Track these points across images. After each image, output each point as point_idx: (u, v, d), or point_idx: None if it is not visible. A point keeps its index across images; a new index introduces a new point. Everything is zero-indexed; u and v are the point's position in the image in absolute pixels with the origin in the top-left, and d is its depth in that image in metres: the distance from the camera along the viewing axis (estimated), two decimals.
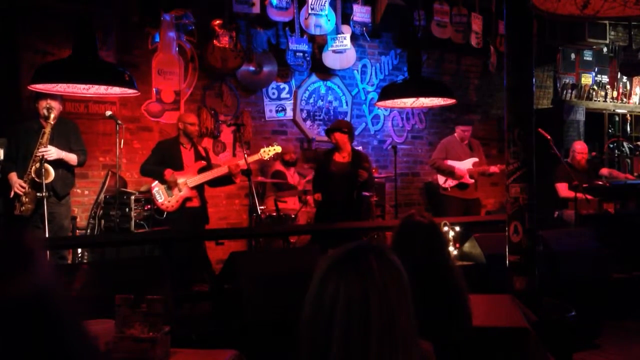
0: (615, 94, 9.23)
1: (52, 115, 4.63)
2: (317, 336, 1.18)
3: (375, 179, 7.11)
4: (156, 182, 5.27)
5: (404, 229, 2.27)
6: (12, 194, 4.66)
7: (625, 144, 8.87)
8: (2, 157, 4.82)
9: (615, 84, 9.43)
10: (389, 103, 5.63)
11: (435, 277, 2.12)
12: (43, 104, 4.67)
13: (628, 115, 9.13)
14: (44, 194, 4.49)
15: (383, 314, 1.16)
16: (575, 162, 6.72)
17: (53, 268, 0.82)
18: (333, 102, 7.47)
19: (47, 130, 4.63)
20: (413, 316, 1.20)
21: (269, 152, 5.45)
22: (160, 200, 5.23)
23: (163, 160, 5.32)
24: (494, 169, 6.49)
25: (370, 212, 6.65)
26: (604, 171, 7.22)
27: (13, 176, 4.70)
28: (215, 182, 5.46)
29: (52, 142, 4.69)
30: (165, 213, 5.25)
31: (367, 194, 6.17)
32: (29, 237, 0.80)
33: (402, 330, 1.17)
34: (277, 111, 7.10)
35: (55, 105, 4.70)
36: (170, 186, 5.23)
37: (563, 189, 6.54)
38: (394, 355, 1.15)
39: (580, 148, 6.83)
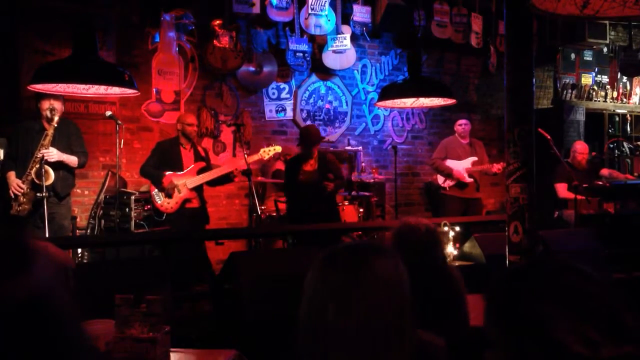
0: (615, 94, 9.23)
1: (56, 118, 4.62)
2: (314, 334, 1.19)
3: (375, 179, 7.11)
4: None
5: (399, 233, 2.27)
6: (11, 193, 4.65)
7: (625, 144, 8.87)
8: (1, 157, 4.82)
9: (615, 84, 9.42)
10: (389, 103, 5.63)
11: (432, 279, 2.12)
12: (46, 104, 4.65)
13: (628, 115, 9.13)
14: (44, 194, 4.49)
15: (379, 313, 1.16)
16: (576, 162, 6.71)
17: (53, 268, 0.82)
18: (333, 102, 7.46)
19: (50, 132, 4.62)
20: (409, 315, 1.20)
21: (268, 152, 5.45)
22: (159, 202, 5.23)
23: (162, 161, 5.32)
24: (497, 167, 6.41)
25: (371, 211, 6.65)
26: (605, 172, 7.21)
27: (11, 175, 4.69)
28: (214, 182, 5.46)
29: (54, 143, 4.67)
30: (165, 214, 5.25)
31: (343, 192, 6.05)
32: (29, 237, 0.80)
33: (398, 329, 1.17)
34: (277, 111, 7.10)
35: (58, 106, 4.70)
36: (169, 193, 5.23)
37: (562, 190, 6.54)
38: (390, 355, 1.15)
39: (580, 148, 6.82)
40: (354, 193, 6.52)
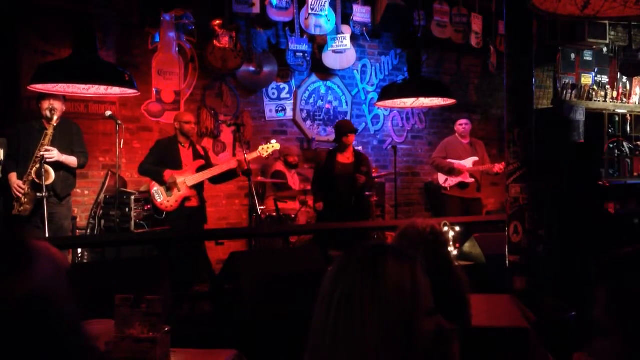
0: (615, 94, 9.23)
1: (55, 117, 4.62)
2: (323, 333, 1.19)
3: (376, 179, 7.11)
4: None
5: (403, 235, 2.26)
6: (13, 194, 4.65)
7: (625, 144, 8.87)
8: (2, 157, 4.81)
9: (615, 84, 9.42)
10: (389, 103, 5.63)
11: (439, 280, 2.11)
12: (46, 104, 4.66)
13: (628, 115, 9.13)
14: (44, 194, 4.49)
15: (388, 315, 1.16)
16: None
17: (53, 268, 0.82)
18: (333, 102, 7.46)
19: (50, 132, 4.62)
20: (420, 318, 1.20)
21: (267, 149, 5.45)
22: (159, 200, 5.23)
23: (161, 159, 5.32)
24: (498, 167, 6.39)
25: (371, 211, 6.65)
26: None
27: (13, 176, 4.69)
28: (219, 178, 5.45)
29: (54, 143, 4.68)
30: (165, 213, 5.25)
31: (367, 193, 6.19)
32: (30, 237, 0.80)
33: (407, 332, 1.17)
34: (277, 111, 7.10)
35: (58, 105, 4.70)
36: (169, 187, 5.23)
37: None
38: (398, 356, 1.16)
39: None
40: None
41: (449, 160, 6.60)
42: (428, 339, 1.22)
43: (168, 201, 5.24)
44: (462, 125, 6.75)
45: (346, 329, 1.17)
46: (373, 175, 7.04)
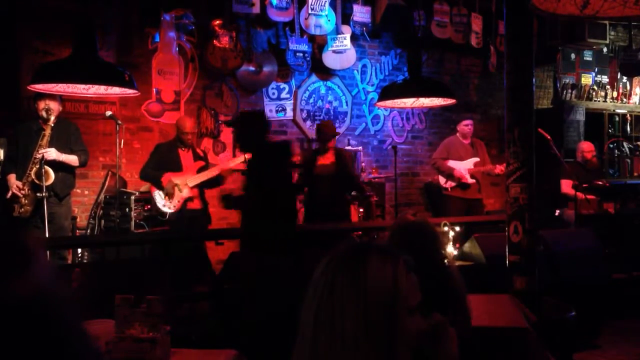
0: (615, 94, 9.22)
1: (52, 118, 4.62)
2: (307, 333, 1.20)
3: (375, 179, 7.11)
4: None
5: (395, 232, 2.27)
6: (10, 194, 4.64)
7: (625, 144, 8.87)
8: (1, 158, 4.82)
9: (615, 84, 9.42)
10: (389, 103, 5.64)
11: (432, 278, 2.11)
12: (42, 104, 4.66)
13: (628, 115, 9.13)
14: (44, 194, 4.49)
15: (368, 314, 1.16)
16: (587, 162, 6.78)
17: (53, 268, 0.82)
18: (333, 102, 7.46)
19: (47, 132, 4.63)
20: (403, 319, 1.20)
21: None
22: (161, 203, 5.23)
23: (161, 163, 5.33)
24: (499, 168, 6.38)
25: (371, 211, 6.64)
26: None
27: (12, 177, 4.69)
28: (207, 185, 5.47)
29: (52, 143, 4.68)
30: (168, 214, 5.24)
31: (353, 193, 6.16)
32: (29, 237, 0.80)
33: (389, 332, 1.17)
34: (277, 111, 7.10)
35: (54, 106, 4.70)
36: (168, 192, 5.23)
37: (567, 186, 6.53)
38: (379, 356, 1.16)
39: (587, 147, 6.92)
40: (353, 193, 6.51)
41: (449, 165, 6.59)
42: (413, 336, 1.22)
43: (170, 202, 5.24)
44: (468, 126, 6.72)
45: (326, 324, 1.17)
46: (373, 175, 7.05)
